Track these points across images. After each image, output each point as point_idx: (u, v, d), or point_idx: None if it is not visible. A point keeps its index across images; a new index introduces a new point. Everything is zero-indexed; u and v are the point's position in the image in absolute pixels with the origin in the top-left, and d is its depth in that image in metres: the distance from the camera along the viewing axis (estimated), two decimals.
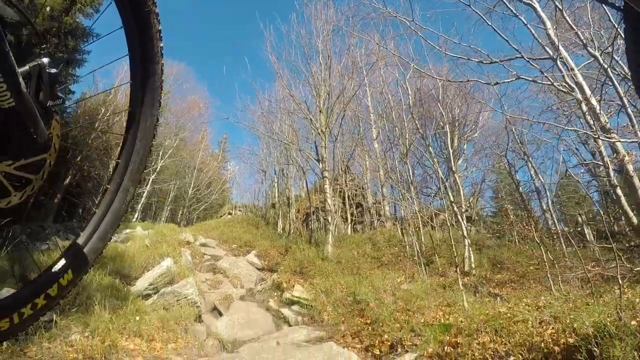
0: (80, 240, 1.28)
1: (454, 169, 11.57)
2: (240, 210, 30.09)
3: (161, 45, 1.31)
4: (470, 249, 10.04)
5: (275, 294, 8.90)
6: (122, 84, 23.88)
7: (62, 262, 1.19)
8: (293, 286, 8.69)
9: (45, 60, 0.92)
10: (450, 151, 10.93)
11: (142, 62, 1.31)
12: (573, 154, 15.76)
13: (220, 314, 7.77)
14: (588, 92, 6.57)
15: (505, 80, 7.02)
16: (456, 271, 9.14)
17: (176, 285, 7.55)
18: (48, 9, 14.31)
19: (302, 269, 9.94)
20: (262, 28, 14.84)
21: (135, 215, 23.20)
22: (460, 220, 10.23)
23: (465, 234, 10.03)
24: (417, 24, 6.89)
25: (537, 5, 7.18)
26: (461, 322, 4.87)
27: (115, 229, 1.38)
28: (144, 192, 23.69)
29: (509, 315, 4.47)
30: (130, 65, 1.30)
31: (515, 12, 7.19)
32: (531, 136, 13.04)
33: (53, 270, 1.16)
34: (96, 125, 20.77)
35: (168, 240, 11.97)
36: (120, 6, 1.17)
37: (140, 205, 23.91)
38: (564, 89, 7.02)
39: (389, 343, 5.26)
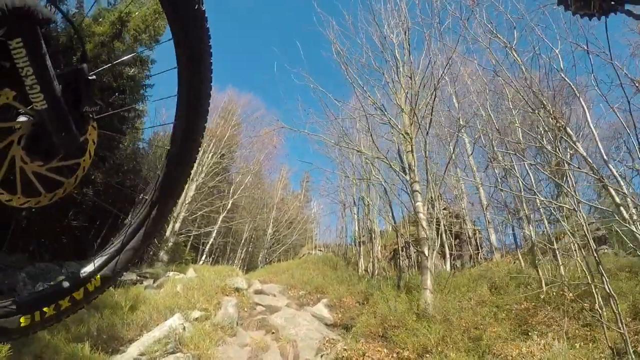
0: (112, 249, 1.28)
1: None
2: (320, 250, 27.34)
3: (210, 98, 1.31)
4: None
5: None
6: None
7: (91, 267, 1.21)
8: None
9: (84, 65, 0.92)
10: None
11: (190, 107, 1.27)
12: None
13: None
14: None
15: None
16: None
17: None
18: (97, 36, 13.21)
19: (385, 330, 6.27)
20: (323, 27, 11.24)
21: (202, 258, 21.00)
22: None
23: None
24: None
25: None
26: None
27: (150, 242, 1.43)
28: (212, 231, 21.49)
29: None
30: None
31: None
32: None
33: (81, 274, 1.19)
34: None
35: (207, 286, 9.03)
36: (178, 54, 1.15)
37: (207, 247, 21.70)
38: None
39: None
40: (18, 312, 1.01)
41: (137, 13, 14.78)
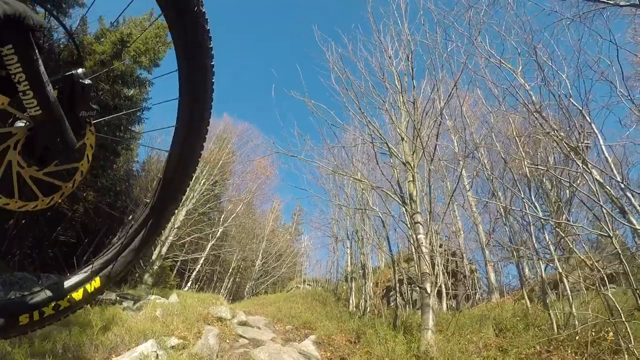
0: (112, 250, 1.27)
1: None
2: (309, 285, 26.60)
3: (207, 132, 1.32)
4: None
5: None
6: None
7: (90, 268, 1.22)
8: None
9: (80, 70, 0.91)
10: None
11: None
12: None
13: None
14: None
15: None
16: None
17: None
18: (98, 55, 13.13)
19: None
20: (325, 53, 10.54)
21: (187, 285, 20.20)
22: None
23: None
24: None
25: None
26: None
27: (150, 244, 1.39)
28: (199, 258, 20.77)
29: None
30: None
31: None
32: None
33: (80, 274, 1.20)
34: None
35: (188, 313, 8.37)
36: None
37: (194, 273, 20.94)
38: None
39: None
40: (17, 310, 1.01)
41: (138, 36, 14.82)
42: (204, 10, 1.06)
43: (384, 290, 17.22)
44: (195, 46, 1.11)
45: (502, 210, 12.08)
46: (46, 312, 1.06)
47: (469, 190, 15.56)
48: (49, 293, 1.09)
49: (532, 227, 8.78)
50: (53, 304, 1.07)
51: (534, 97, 8.20)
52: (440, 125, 6.75)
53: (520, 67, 8.46)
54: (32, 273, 9.88)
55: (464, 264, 15.81)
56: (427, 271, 6.57)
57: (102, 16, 13.97)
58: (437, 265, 6.88)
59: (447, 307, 13.14)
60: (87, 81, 0.90)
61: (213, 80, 1.21)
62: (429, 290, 6.40)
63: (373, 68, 10.55)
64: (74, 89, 0.89)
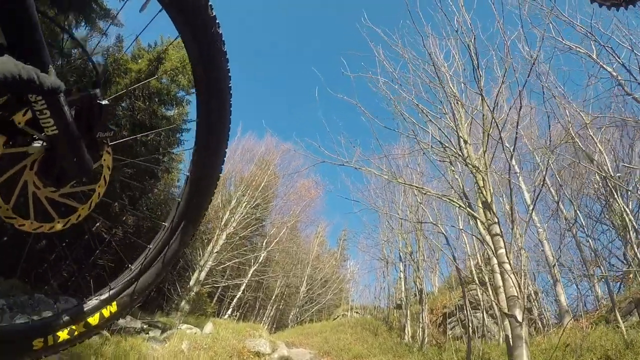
0: (130, 275, 1.24)
1: None
2: (357, 312, 25.12)
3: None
4: None
5: None
6: None
7: (107, 293, 1.18)
8: None
9: (97, 91, 0.89)
10: None
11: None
12: None
13: None
14: None
15: None
16: None
17: None
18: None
19: None
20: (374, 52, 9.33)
21: (227, 312, 19.17)
22: None
23: None
24: None
25: None
26: None
27: (169, 268, 1.34)
28: (241, 284, 19.77)
29: None
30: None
31: None
32: None
33: (96, 299, 1.16)
34: None
35: (219, 348, 7.22)
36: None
37: (235, 300, 19.95)
38: None
39: None
40: (32, 335, 0.98)
41: (175, 55, 14.40)
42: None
43: (440, 318, 15.54)
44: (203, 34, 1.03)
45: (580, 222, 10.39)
46: (61, 337, 1.02)
47: (531, 204, 13.81)
48: (63, 318, 1.05)
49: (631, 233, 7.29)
50: (67, 329, 1.04)
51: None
52: (520, 109, 5.32)
53: (595, 53, 7.47)
54: (50, 296, 9.13)
55: (527, 286, 14.01)
56: (515, 294, 5.08)
57: (139, 37, 13.69)
58: (524, 287, 5.37)
59: None
60: (105, 102, 0.86)
61: (228, 67, 1.13)
62: (519, 319, 4.90)
63: (425, 69, 9.10)
64: (92, 109, 0.85)
